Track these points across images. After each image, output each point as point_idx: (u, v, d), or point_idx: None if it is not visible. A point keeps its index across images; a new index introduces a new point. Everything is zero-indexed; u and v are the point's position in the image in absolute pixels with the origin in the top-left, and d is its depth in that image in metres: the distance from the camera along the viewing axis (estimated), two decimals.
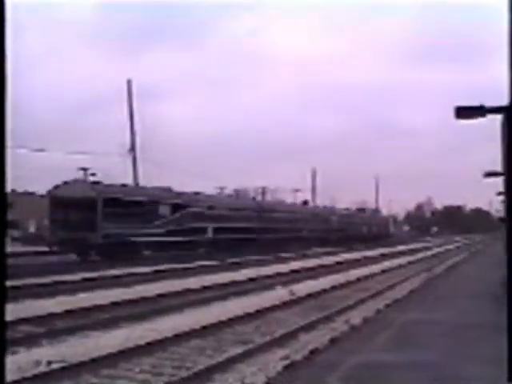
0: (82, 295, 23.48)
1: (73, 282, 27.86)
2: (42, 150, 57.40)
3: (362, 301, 22.72)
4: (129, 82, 60.14)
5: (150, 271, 34.95)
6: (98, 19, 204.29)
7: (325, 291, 26.36)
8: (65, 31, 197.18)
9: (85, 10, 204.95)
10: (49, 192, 46.20)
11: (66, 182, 45.60)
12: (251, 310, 19.42)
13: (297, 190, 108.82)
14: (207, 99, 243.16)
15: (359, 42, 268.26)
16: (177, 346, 14.12)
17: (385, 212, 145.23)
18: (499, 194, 27.53)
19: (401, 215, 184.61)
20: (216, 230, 55.89)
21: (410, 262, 48.43)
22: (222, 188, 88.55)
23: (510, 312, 8.20)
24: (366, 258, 54.59)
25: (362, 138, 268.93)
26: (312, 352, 12.77)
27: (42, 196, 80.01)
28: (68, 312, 18.82)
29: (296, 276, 34.48)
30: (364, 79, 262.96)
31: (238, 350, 13.36)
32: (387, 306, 20.91)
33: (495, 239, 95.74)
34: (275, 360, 12.48)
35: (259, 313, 19.21)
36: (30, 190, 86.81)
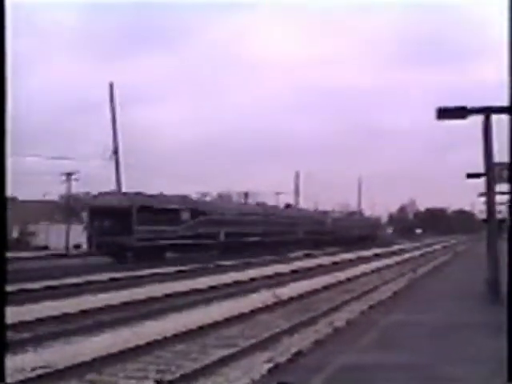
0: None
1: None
2: (24, 155, 56.92)
3: (347, 302, 22.78)
4: (111, 86, 60.12)
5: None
6: (84, 22, 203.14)
7: (317, 291, 26.96)
8: (49, 34, 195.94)
9: (70, 12, 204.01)
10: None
11: (102, 193, 51.87)
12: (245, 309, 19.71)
13: (279, 193, 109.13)
14: (193, 103, 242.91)
15: (346, 44, 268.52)
16: (161, 350, 14.10)
17: (367, 214, 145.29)
18: (481, 194, 27.64)
19: (384, 217, 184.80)
20: (227, 234, 60.66)
21: (396, 263, 48.77)
22: (205, 193, 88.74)
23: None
24: (358, 258, 57.03)
25: (346, 140, 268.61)
26: (296, 354, 12.80)
27: (23, 202, 79.88)
28: (54, 318, 18.82)
29: (294, 276, 36.15)
30: (349, 81, 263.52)
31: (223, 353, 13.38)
32: (371, 307, 20.95)
33: (478, 240, 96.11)
34: (259, 363, 12.51)
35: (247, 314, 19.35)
36: (12, 195, 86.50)
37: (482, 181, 21.27)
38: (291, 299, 23.87)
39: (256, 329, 17.18)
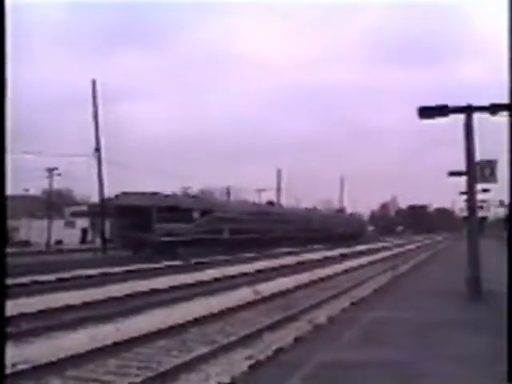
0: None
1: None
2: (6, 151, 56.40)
3: (328, 299, 22.82)
4: (93, 83, 59.69)
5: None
6: (68, 21, 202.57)
7: (307, 285, 27.43)
8: (33, 31, 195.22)
9: (54, 11, 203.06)
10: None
11: (124, 193, 55.88)
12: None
13: (261, 190, 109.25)
14: (176, 100, 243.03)
15: (331, 44, 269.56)
16: (142, 347, 14.09)
17: (349, 211, 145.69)
18: (462, 193, 27.78)
19: (365, 215, 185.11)
20: (231, 231, 65.67)
21: (377, 260, 48.93)
22: (186, 188, 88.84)
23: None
24: (341, 255, 57.85)
25: (329, 138, 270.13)
26: (276, 351, 12.82)
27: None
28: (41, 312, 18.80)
29: (284, 271, 37.07)
30: (334, 80, 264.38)
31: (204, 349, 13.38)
32: (352, 304, 21.00)
33: (459, 238, 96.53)
34: (240, 360, 12.52)
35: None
36: None
37: (463, 179, 21.33)
38: (273, 296, 23.88)
39: (237, 325, 17.18)
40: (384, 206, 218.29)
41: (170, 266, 40.08)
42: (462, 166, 20.41)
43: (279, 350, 13.01)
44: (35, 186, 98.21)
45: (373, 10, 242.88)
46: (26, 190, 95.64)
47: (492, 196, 66.29)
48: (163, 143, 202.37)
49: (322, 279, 31.96)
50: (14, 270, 27.25)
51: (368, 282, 29.83)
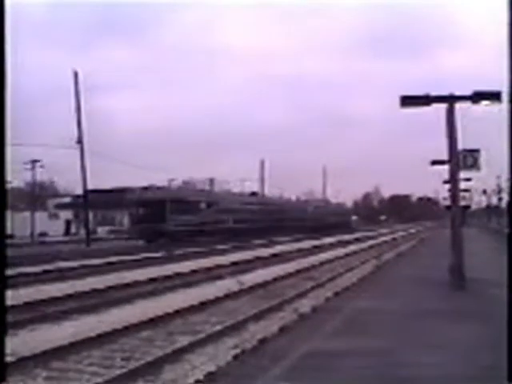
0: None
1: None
2: None
3: (312, 289, 22.90)
4: (75, 74, 59.25)
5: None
6: (48, 14, 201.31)
7: (284, 277, 27.30)
8: (16, 24, 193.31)
9: (34, 5, 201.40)
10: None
11: (144, 188, 63.11)
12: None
13: (244, 181, 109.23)
14: (159, 91, 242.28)
15: (311, 35, 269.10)
16: (127, 338, 14.09)
17: (332, 201, 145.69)
18: (445, 182, 27.84)
19: (348, 204, 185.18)
20: (234, 221, 72.19)
21: (361, 249, 49.13)
22: (170, 180, 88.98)
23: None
24: (328, 244, 59.96)
25: (311, 129, 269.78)
26: (261, 341, 12.85)
27: None
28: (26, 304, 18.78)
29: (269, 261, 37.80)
30: (315, 72, 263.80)
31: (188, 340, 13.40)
32: (336, 294, 21.04)
33: (442, 227, 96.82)
34: (225, 349, 12.55)
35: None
36: None
37: (446, 168, 21.39)
38: (258, 286, 23.93)
39: (222, 315, 17.20)
40: (367, 196, 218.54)
41: (149, 258, 40.03)
42: (445, 155, 20.45)
43: (264, 340, 13.04)
44: (17, 178, 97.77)
45: (354, 1, 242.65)
46: (10, 182, 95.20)
47: (474, 185, 66.82)
48: (146, 135, 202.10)
49: (312, 267, 32.89)
50: None
51: (352, 271, 29.95)
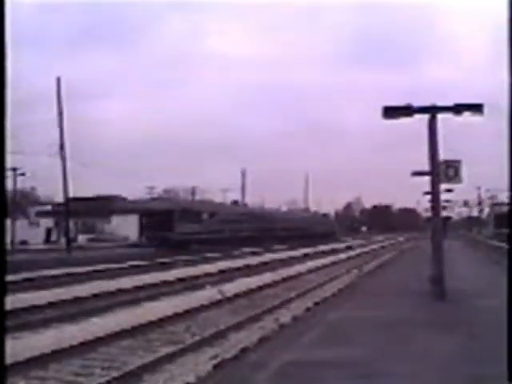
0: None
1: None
2: None
3: (296, 298, 23.11)
4: (58, 80, 58.87)
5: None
6: (33, 19, 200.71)
7: (264, 287, 27.32)
8: None
9: (21, 8, 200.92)
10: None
11: (153, 199, 74.60)
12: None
13: (225, 190, 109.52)
14: (140, 99, 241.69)
15: (296, 44, 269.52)
16: (107, 347, 14.01)
17: (313, 211, 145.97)
18: (426, 193, 27.93)
19: (330, 215, 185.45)
20: (231, 231, 76.38)
21: (342, 260, 49.27)
22: (151, 188, 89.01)
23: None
24: (315, 253, 61.94)
25: (293, 138, 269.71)
26: (242, 351, 12.81)
27: None
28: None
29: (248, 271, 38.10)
30: (299, 81, 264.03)
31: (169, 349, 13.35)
32: (317, 304, 21.02)
33: (423, 238, 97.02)
34: (205, 359, 12.50)
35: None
36: None
37: (427, 179, 21.43)
38: (236, 296, 23.88)
39: (202, 325, 17.14)
40: (348, 206, 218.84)
41: (135, 266, 40.02)
42: (426, 166, 20.47)
43: (244, 350, 13.01)
44: None
45: (337, 11, 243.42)
46: None
47: (455, 196, 67.15)
48: (128, 142, 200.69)
49: (294, 276, 33.48)
50: None
51: (334, 281, 29.99)
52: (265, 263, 44.57)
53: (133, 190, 63.49)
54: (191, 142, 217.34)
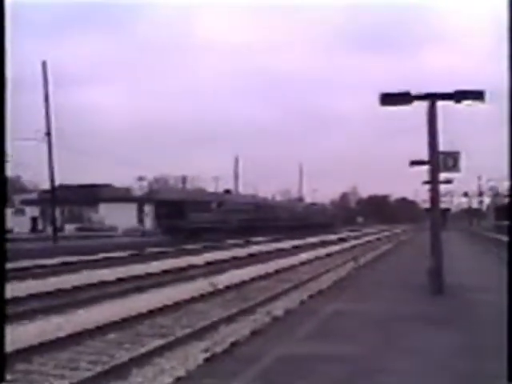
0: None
1: None
2: None
3: (295, 288, 23.10)
4: (44, 64, 57.37)
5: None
6: (23, 8, 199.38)
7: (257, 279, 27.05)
8: None
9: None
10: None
11: (163, 189, 77.62)
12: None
13: (217, 178, 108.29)
14: (131, 85, 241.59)
15: (291, 30, 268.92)
16: (93, 340, 13.71)
17: (308, 201, 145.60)
18: (425, 183, 27.49)
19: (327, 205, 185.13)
20: (238, 220, 79.70)
21: (337, 252, 49.08)
22: (141, 178, 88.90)
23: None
24: (308, 244, 61.89)
25: (288, 126, 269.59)
26: (233, 344, 12.49)
27: None
28: None
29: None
30: (294, 67, 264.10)
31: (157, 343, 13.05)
32: (311, 296, 20.71)
33: (421, 230, 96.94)
34: (195, 353, 12.16)
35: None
36: None
37: (425, 169, 21.07)
38: (228, 288, 23.54)
39: (192, 318, 16.82)
40: (344, 196, 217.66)
41: (118, 258, 39.80)
42: (425, 155, 20.11)
43: (235, 343, 12.68)
44: None
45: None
46: None
47: (454, 187, 66.95)
48: (119, 129, 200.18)
49: (291, 267, 33.45)
50: None
51: (331, 272, 29.76)
52: (269, 252, 47.24)
53: (121, 177, 63.15)
54: (183, 130, 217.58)
